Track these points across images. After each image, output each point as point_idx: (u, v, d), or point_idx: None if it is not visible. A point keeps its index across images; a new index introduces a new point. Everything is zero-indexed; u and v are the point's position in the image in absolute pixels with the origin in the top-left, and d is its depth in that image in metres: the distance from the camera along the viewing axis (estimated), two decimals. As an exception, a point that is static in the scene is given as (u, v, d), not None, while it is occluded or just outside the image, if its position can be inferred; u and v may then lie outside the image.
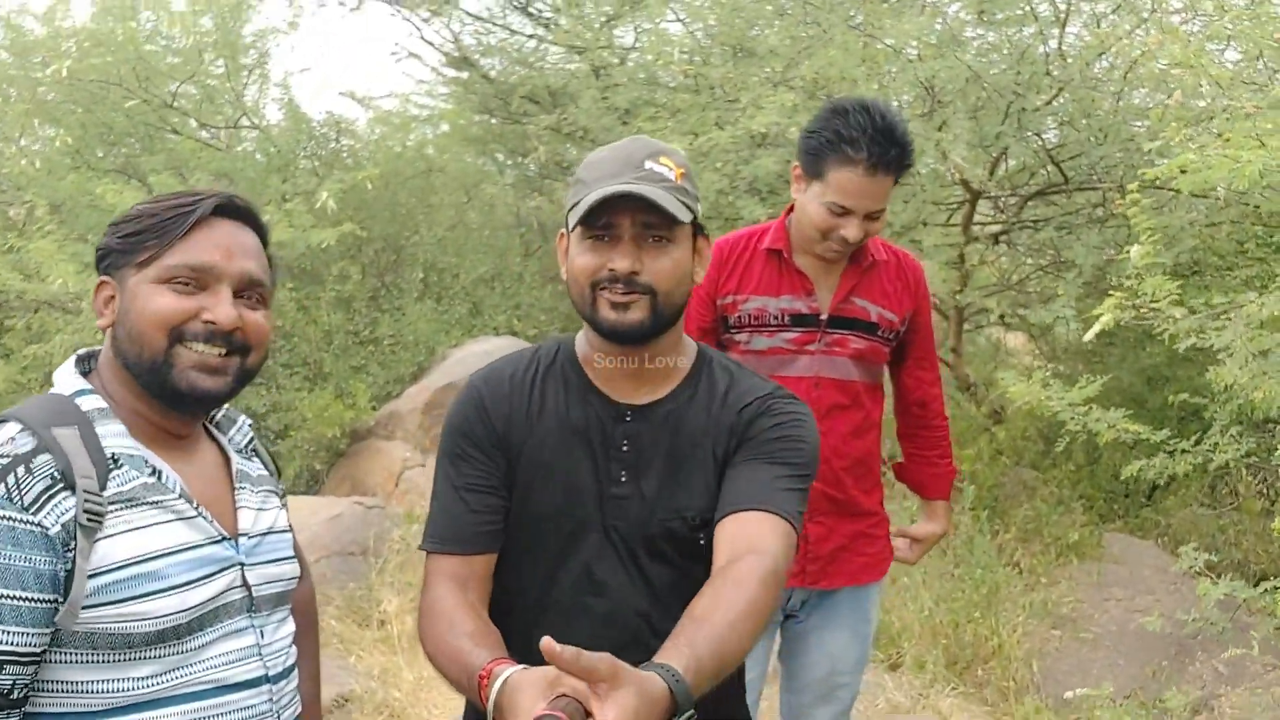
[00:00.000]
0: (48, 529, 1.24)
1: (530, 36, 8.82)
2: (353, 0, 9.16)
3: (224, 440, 1.55)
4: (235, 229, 1.44)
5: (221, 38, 7.30)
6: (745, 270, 2.52)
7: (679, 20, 7.44)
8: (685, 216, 1.55)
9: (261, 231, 1.50)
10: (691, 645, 1.26)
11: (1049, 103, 5.52)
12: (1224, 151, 2.48)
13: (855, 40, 5.27)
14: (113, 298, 1.41)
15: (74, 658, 1.28)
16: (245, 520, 1.46)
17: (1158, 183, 3.79)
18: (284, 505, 1.62)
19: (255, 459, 1.60)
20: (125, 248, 1.40)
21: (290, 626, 1.54)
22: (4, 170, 6.94)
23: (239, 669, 1.39)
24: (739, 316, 2.51)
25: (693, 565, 1.57)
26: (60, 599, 1.25)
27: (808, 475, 1.59)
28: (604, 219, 1.54)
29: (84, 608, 1.26)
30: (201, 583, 1.35)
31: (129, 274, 1.39)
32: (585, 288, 1.57)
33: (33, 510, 1.24)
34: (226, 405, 1.55)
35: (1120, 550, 6.22)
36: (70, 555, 1.25)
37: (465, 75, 10.08)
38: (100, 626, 1.27)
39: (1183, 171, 2.79)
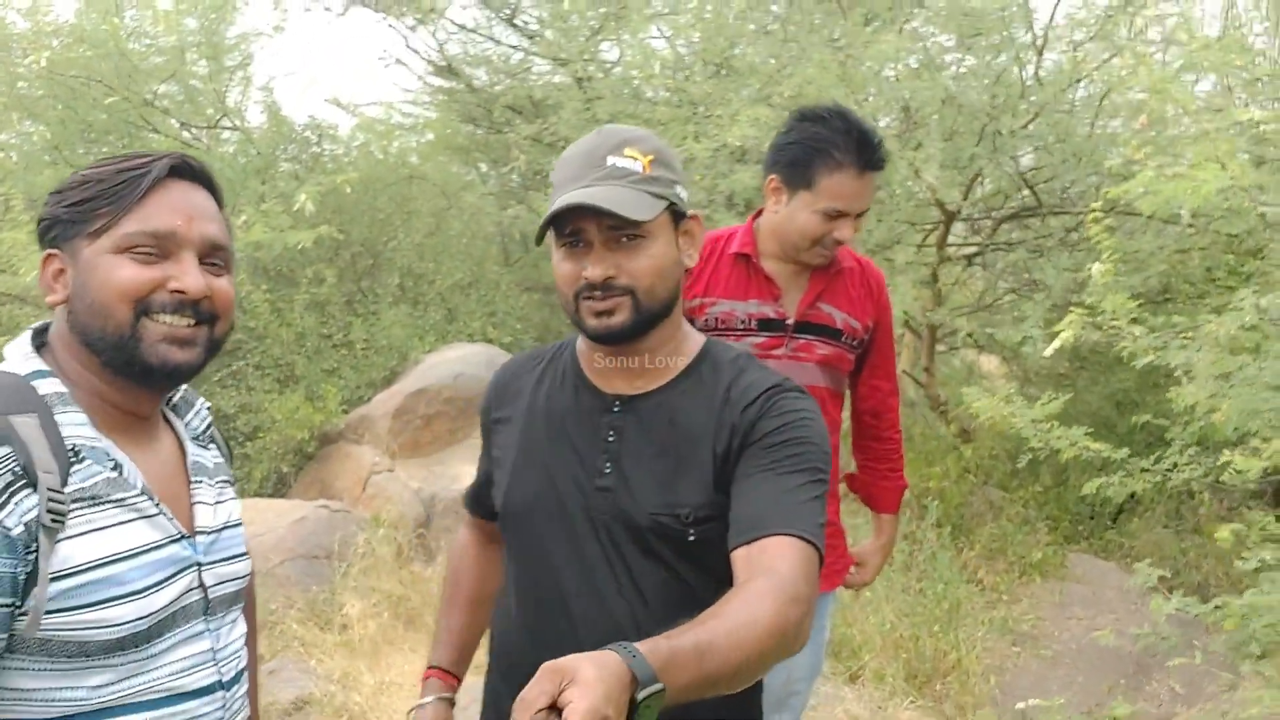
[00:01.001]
0: (9, 530, 1.15)
1: (515, 48, 8.86)
2: (338, 6, 9.20)
3: (180, 426, 1.45)
4: (192, 191, 1.34)
5: (205, 38, 7.29)
6: (712, 274, 2.51)
7: (663, 36, 7.51)
8: (647, 214, 1.49)
9: (217, 194, 1.40)
10: (668, 638, 1.18)
11: (1025, 126, 5.62)
12: (1183, 172, 2.53)
13: (834, 60, 5.34)
14: (63, 271, 1.31)
15: (27, 664, 1.20)
16: (203, 516, 1.38)
17: (1123, 206, 3.85)
18: (236, 496, 1.52)
19: (212, 445, 1.51)
20: (74, 217, 1.29)
21: (242, 628, 1.45)
22: (-18, 162, 6.89)
23: (193, 676, 1.31)
24: (706, 320, 2.49)
25: (684, 565, 1.52)
26: (18, 603, 1.16)
27: (821, 478, 1.50)
28: (570, 227, 1.52)
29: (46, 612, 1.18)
30: (162, 586, 1.27)
31: (81, 245, 1.29)
32: (569, 297, 1.55)
33: (20, 468, 1.16)
34: (186, 387, 1.47)
35: (1083, 570, 6.29)
36: (31, 557, 1.16)
37: (450, 85, 10.14)
38: (57, 634, 1.19)
39: (1145, 192, 2.84)
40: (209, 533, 1.38)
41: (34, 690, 1.20)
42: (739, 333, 2.49)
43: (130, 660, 1.24)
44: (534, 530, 1.61)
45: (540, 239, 1.56)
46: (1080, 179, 5.59)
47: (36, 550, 1.16)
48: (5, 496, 1.15)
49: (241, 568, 1.43)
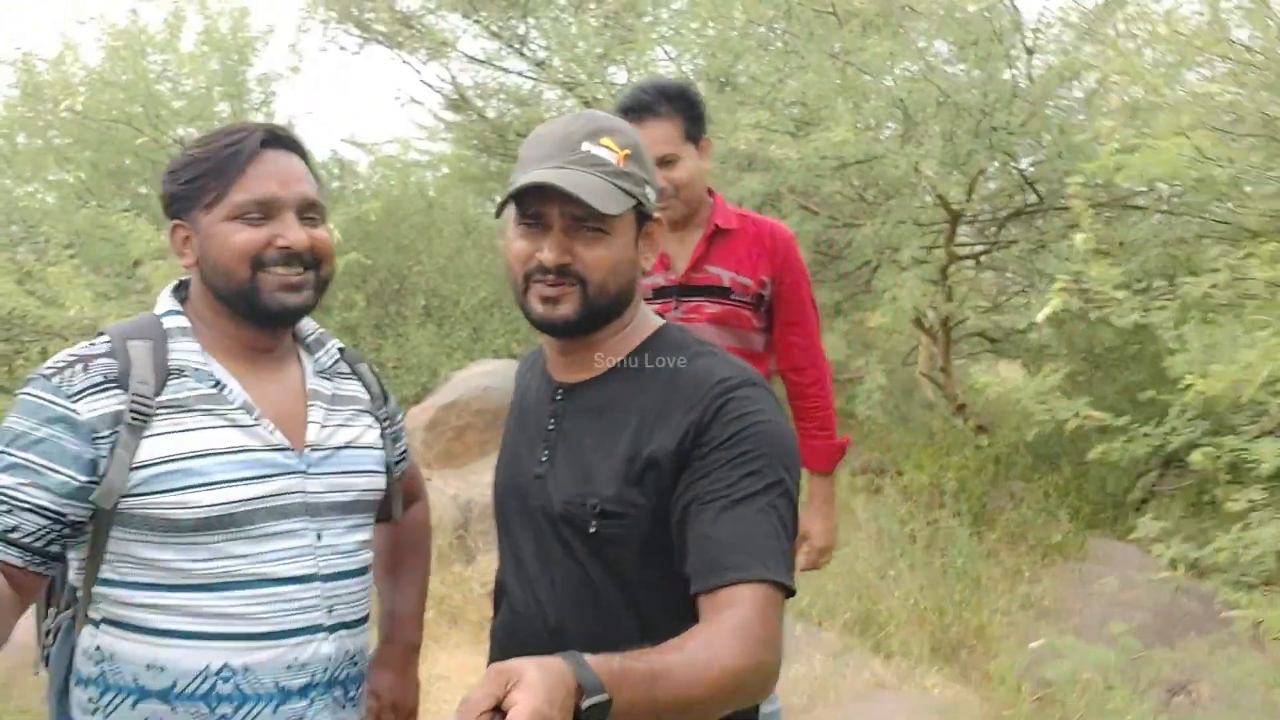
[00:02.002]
0: (79, 416, 1.43)
1: (525, 75, 9.15)
2: (353, 45, 9.55)
3: (308, 361, 1.68)
4: (284, 157, 1.57)
5: (228, 79, 7.62)
6: None
7: (669, 58, 7.78)
8: (616, 208, 1.43)
9: (306, 157, 1.63)
10: (623, 657, 1.16)
11: (1023, 125, 5.83)
12: (1150, 142, 2.73)
13: (833, 66, 5.58)
14: (189, 238, 1.57)
15: (138, 537, 1.46)
16: (312, 434, 1.59)
17: (1103, 182, 4.05)
18: (380, 425, 1.73)
19: (354, 380, 1.73)
20: (189, 192, 1.55)
21: (362, 536, 1.64)
22: (21, 205, 7.22)
23: (289, 565, 1.52)
24: None
25: (589, 560, 1.46)
26: (94, 481, 1.44)
27: (784, 489, 1.39)
28: (533, 207, 1.45)
29: (127, 495, 1.44)
30: (248, 482, 1.49)
31: (199, 215, 1.55)
32: (518, 276, 1.49)
33: (73, 399, 1.44)
34: (321, 330, 1.73)
35: (1104, 553, 6.42)
36: (104, 445, 1.44)
37: (462, 118, 10.46)
38: (149, 512, 1.45)
39: (1118, 169, 3.03)
40: (320, 448, 1.60)
41: (149, 559, 1.47)
42: None
43: (223, 540, 1.47)
44: (502, 518, 1.63)
45: (499, 212, 1.51)
46: (1075, 172, 5.78)
47: (115, 441, 1.44)
48: (87, 391, 1.45)
49: (363, 482, 1.65)
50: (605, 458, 1.46)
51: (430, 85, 9.94)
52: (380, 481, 1.70)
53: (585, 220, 1.43)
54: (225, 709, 1.48)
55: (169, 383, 1.50)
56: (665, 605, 1.40)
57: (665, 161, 2.54)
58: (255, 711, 1.50)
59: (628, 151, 1.46)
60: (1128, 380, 7.29)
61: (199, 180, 1.55)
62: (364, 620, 1.66)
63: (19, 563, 1.45)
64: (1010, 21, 5.85)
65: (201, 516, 1.46)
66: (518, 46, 9.28)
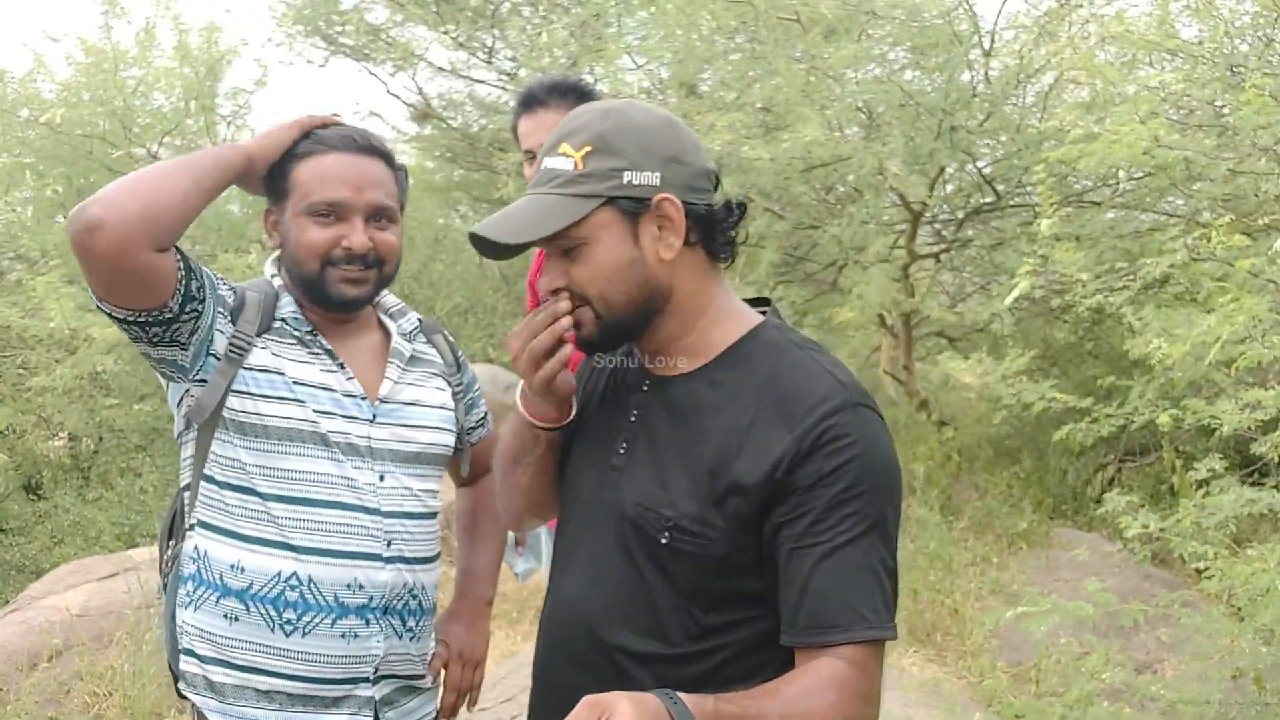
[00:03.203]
0: (229, 305, 1.72)
1: (494, 85, 9.27)
2: (319, 58, 9.63)
3: (392, 326, 1.87)
4: (364, 162, 1.75)
5: (199, 89, 7.68)
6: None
7: (636, 67, 7.94)
8: (559, 223, 1.34)
9: (389, 158, 1.80)
10: (717, 699, 1.15)
11: (982, 125, 6.05)
12: (1109, 130, 2.91)
13: (799, 70, 5.76)
14: (277, 223, 1.76)
15: (236, 441, 1.69)
16: (384, 388, 1.78)
17: (1069, 181, 4.24)
18: (454, 388, 1.90)
19: (430, 348, 1.91)
20: (278, 174, 1.74)
21: (429, 485, 1.82)
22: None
23: (352, 495, 1.71)
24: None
25: (649, 569, 1.38)
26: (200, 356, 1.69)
27: (884, 527, 1.32)
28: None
29: (225, 407, 1.68)
30: (328, 415, 1.71)
31: (285, 206, 1.74)
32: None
33: (234, 303, 1.73)
34: (401, 304, 1.92)
35: (1068, 540, 6.63)
36: (214, 359, 1.69)
37: (428, 130, 10.56)
38: (241, 419, 1.68)
39: (1080, 157, 3.21)
40: (389, 401, 1.78)
41: (239, 461, 1.70)
42: None
43: (306, 455, 1.69)
44: (565, 501, 1.56)
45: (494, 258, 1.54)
46: (1033, 168, 6.01)
47: (219, 366, 1.69)
48: (228, 313, 1.71)
49: (428, 436, 1.82)
50: (686, 469, 1.37)
51: (398, 96, 10.04)
52: (448, 439, 1.86)
53: (554, 241, 1.37)
54: (290, 614, 1.68)
55: (271, 327, 1.74)
56: (721, 617, 1.37)
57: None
58: (315, 620, 1.68)
59: (587, 149, 1.36)
60: (1085, 374, 7.52)
61: (288, 164, 1.73)
62: (427, 560, 1.80)
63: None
64: (969, 26, 6.08)
65: (289, 427, 1.68)
66: (485, 57, 9.41)
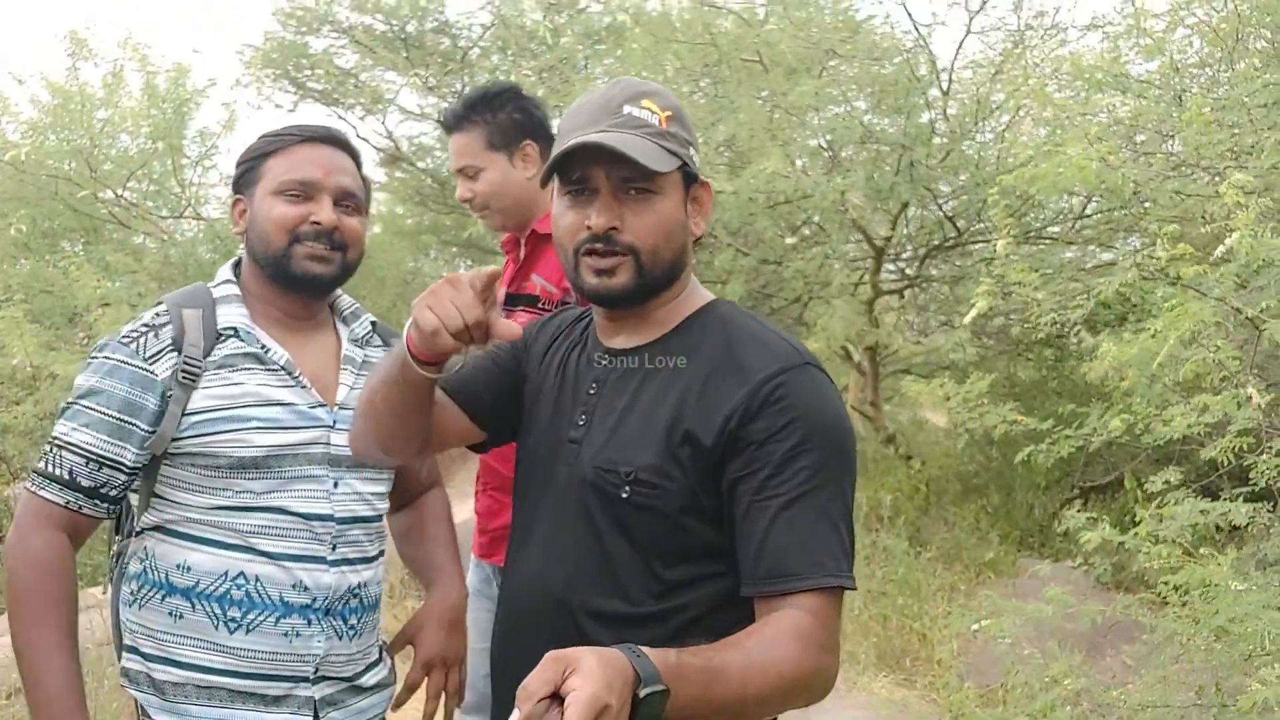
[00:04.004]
0: (157, 375, 1.68)
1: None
2: (287, 102, 9.70)
3: (344, 331, 1.87)
4: (333, 152, 1.79)
5: (167, 130, 7.71)
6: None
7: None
8: (664, 166, 1.39)
9: (356, 156, 1.84)
10: (679, 651, 1.16)
11: (942, 161, 6.19)
12: (1061, 150, 3.00)
13: (762, 109, 5.89)
14: (244, 211, 1.79)
15: (184, 471, 1.69)
16: (340, 394, 1.78)
17: (1024, 215, 4.34)
18: None
19: (377, 347, 1.89)
20: (249, 170, 1.78)
21: (379, 488, 1.82)
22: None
23: (310, 503, 1.71)
24: None
25: (610, 533, 1.41)
26: (153, 430, 1.67)
27: (840, 479, 1.36)
28: (578, 172, 1.42)
29: (178, 438, 1.67)
30: (285, 430, 1.69)
31: (254, 190, 1.77)
32: (569, 250, 1.45)
33: (150, 361, 1.68)
34: (355, 305, 1.91)
35: (1034, 571, 6.69)
36: (168, 398, 1.67)
37: (398, 174, 10.64)
38: (195, 452, 1.67)
39: (1033, 180, 3.31)
40: (347, 407, 1.77)
41: (191, 484, 1.70)
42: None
43: (253, 480, 1.69)
44: (521, 488, 1.59)
45: (545, 181, 1.47)
46: (990, 203, 6.16)
47: (171, 396, 1.67)
48: (160, 355, 1.69)
49: None
50: (645, 426, 1.41)
51: (367, 140, 10.11)
52: None
53: (633, 182, 1.40)
54: (235, 612, 1.69)
55: (218, 345, 1.72)
56: (682, 572, 1.39)
57: (466, 172, 2.57)
58: (259, 619, 1.70)
59: (669, 113, 1.43)
60: (1048, 409, 7.64)
61: (258, 159, 1.78)
62: (368, 561, 1.80)
63: (103, 514, 1.71)
64: (928, 69, 6.24)
65: (239, 457, 1.67)
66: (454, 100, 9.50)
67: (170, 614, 1.70)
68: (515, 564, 1.56)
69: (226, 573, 1.69)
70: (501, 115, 2.56)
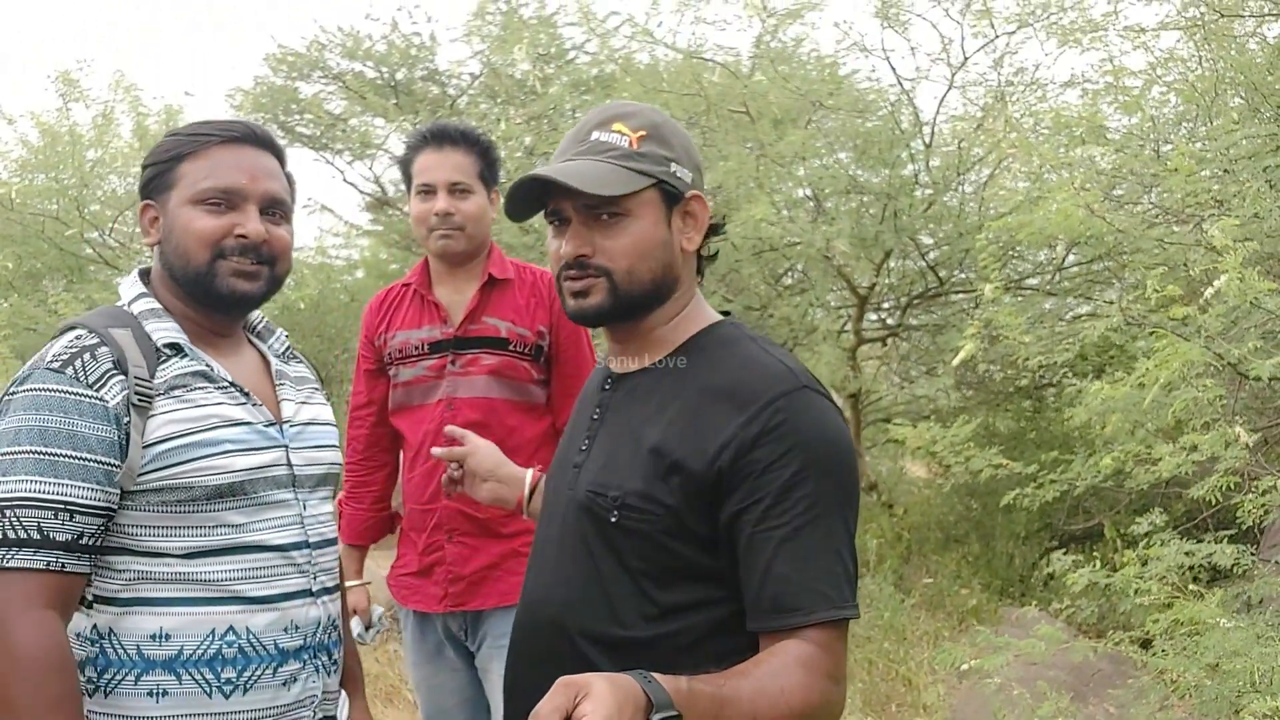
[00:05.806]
0: (108, 403, 1.46)
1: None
2: (276, 148, 9.74)
3: (263, 346, 1.74)
4: (256, 153, 1.61)
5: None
6: (393, 312, 2.69)
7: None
8: (619, 189, 1.39)
9: (280, 155, 1.67)
10: (690, 679, 1.17)
11: (925, 212, 6.31)
12: (1048, 197, 3.08)
13: (749, 157, 5.99)
14: (156, 218, 1.60)
15: (149, 511, 1.49)
16: (287, 410, 1.65)
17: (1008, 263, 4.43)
18: (327, 403, 1.79)
19: (296, 362, 1.78)
20: (161, 173, 1.59)
21: (329, 507, 1.70)
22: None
23: (282, 532, 1.57)
24: (389, 353, 2.66)
25: (604, 557, 1.41)
26: (118, 463, 1.46)
27: (841, 506, 1.35)
28: (549, 205, 1.46)
29: (145, 472, 1.47)
30: (252, 452, 1.55)
31: (168, 197, 1.58)
32: (555, 275, 1.48)
33: (96, 388, 1.45)
34: (266, 318, 1.77)
35: (1018, 617, 6.72)
36: (126, 426, 1.46)
37: (385, 216, 10.68)
38: (164, 484, 1.47)
39: (1019, 227, 3.39)
40: (295, 424, 1.66)
41: (156, 527, 1.50)
42: (413, 359, 2.63)
43: (226, 509, 1.52)
44: (546, 502, 1.61)
45: (508, 211, 1.51)
46: (973, 253, 6.27)
47: (129, 424, 1.46)
48: (105, 379, 1.47)
49: (330, 455, 1.71)
50: (633, 450, 1.42)
51: (354, 185, 10.17)
52: (339, 456, 1.76)
53: (598, 208, 1.41)
54: (230, 673, 1.51)
55: (161, 365, 1.53)
56: (676, 596, 1.38)
57: (459, 189, 2.58)
58: (258, 674, 1.53)
59: (642, 133, 1.44)
60: (1030, 458, 7.72)
61: (172, 162, 1.60)
62: (336, 588, 1.71)
63: (86, 570, 1.46)
64: (911, 123, 6.38)
65: (216, 485, 1.50)
66: (443, 147, 9.57)
67: (150, 694, 1.49)
68: (525, 587, 1.57)
69: (214, 631, 1.50)
70: (490, 155, 2.65)
